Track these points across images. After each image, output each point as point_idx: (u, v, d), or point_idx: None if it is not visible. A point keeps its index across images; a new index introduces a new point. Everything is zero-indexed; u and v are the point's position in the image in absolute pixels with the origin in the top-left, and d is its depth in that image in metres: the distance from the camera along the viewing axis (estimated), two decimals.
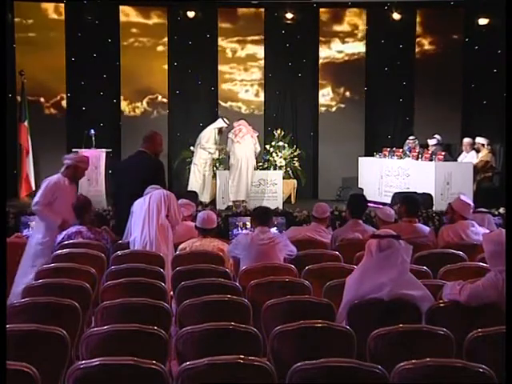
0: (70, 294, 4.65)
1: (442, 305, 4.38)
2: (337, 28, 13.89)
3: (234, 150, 11.51)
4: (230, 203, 11.44)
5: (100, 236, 6.65)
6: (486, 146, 12.02)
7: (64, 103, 13.26)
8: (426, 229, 7.02)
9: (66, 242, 6.51)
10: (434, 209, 10.67)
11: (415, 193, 10.49)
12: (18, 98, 12.29)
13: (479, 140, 12.12)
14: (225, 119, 12.10)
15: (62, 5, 13.02)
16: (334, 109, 13.86)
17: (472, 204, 7.04)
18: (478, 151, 12.13)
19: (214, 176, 12.09)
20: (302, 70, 13.78)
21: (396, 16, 13.30)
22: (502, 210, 10.18)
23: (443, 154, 11.46)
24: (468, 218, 6.86)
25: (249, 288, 5.02)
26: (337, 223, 9.98)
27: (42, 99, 13.17)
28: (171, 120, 13.62)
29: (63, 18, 13.12)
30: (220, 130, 12.04)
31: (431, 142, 12.41)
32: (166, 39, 13.52)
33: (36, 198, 7.04)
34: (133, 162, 7.72)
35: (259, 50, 13.66)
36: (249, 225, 9.99)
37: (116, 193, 7.84)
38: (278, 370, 3.50)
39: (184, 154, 12.87)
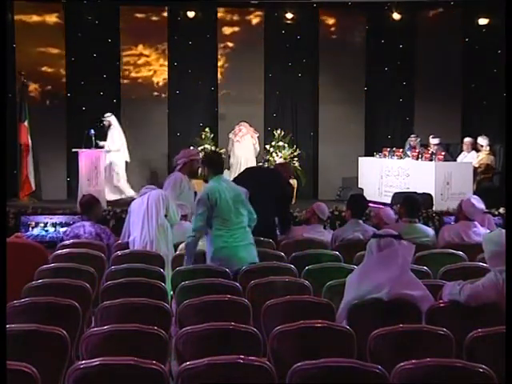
0: (70, 294, 4.64)
1: (442, 305, 4.38)
2: (337, 28, 13.90)
3: (233, 149, 11.53)
4: None
5: (102, 231, 6.70)
6: (486, 147, 12.02)
7: (64, 103, 13.25)
8: (426, 229, 7.01)
9: (66, 242, 6.53)
10: (433, 209, 10.68)
11: (415, 193, 10.49)
12: (18, 98, 12.30)
13: (480, 140, 12.12)
14: (107, 115, 12.00)
15: (62, 4, 13.01)
16: (333, 109, 13.85)
17: (482, 208, 6.91)
18: (478, 151, 12.13)
19: None
20: (302, 70, 13.78)
21: (396, 16, 13.31)
22: (502, 210, 10.19)
23: (443, 153, 11.46)
24: (474, 220, 6.82)
25: (249, 288, 5.02)
26: (337, 223, 9.99)
27: (41, 99, 13.16)
28: (171, 120, 13.62)
29: (63, 18, 13.12)
30: (107, 126, 12.00)
31: (434, 141, 12.37)
32: (165, 39, 13.52)
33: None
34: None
35: (259, 50, 13.64)
36: None
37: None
38: (278, 370, 3.50)
39: None
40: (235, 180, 6.96)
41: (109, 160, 11.91)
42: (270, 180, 7.15)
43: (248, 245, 5.89)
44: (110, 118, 12.07)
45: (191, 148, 7.60)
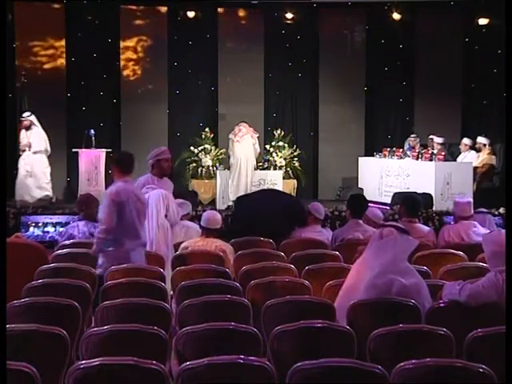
0: (69, 294, 4.65)
1: (442, 305, 4.38)
2: (337, 28, 13.90)
3: (233, 149, 11.53)
4: (230, 203, 11.44)
5: (96, 229, 6.66)
6: (487, 146, 12.01)
7: (64, 103, 13.25)
8: (426, 229, 7.02)
9: (66, 242, 6.54)
10: (433, 209, 10.67)
11: (415, 193, 10.49)
12: (18, 98, 12.29)
13: (480, 140, 12.10)
14: (26, 114, 11.65)
15: (62, 4, 13.01)
16: (333, 109, 13.86)
17: (466, 201, 7.03)
18: (479, 151, 12.12)
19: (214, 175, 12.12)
20: (302, 70, 13.78)
21: (396, 16, 13.31)
22: (502, 210, 10.18)
23: (443, 153, 11.46)
24: (468, 217, 6.84)
25: (249, 288, 5.02)
26: (337, 223, 9.99)
27: (41, 99, 13.15)
28: (171, 120, 13.62)
29: (63, 18, 13.12)
30: (28, 126, 11.63)
31: (438, 140, 12.33)
32: (166, 39, 13.52)
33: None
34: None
35: (259, 50, 13.64)
36: None
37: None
38: (278, 370, 3.50)
39: (184, 154, 12.87)
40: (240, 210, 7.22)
41: (34, 161, 11.54)
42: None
43: None
44: (31, 118, 11.62)
45: (162, 147, 7.43)
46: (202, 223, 6.47)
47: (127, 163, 6.10)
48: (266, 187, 11.83)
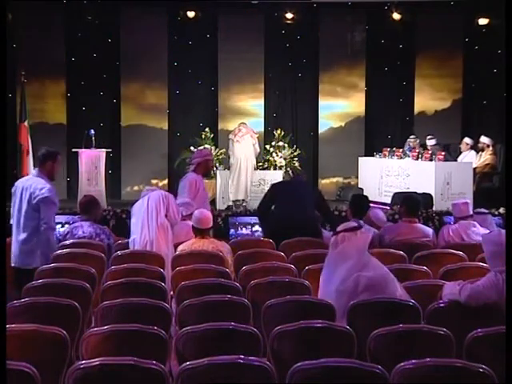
0: (69, 294, 4.65)
1: (442, 305, 4.38)
2: (337, 28, 13.90)
3: (233, 149, 11.53)
4: (230, 203, 11.45)
5: (101, 231, 6.69)
6: (490, 147, 12.00)
7: (64, 103, 13.25)
8: (426, 229, 7.01)
9: (66, 242, 6.52)
10: (433, 209, 10.67)
11: (415, 193, 10.48)
12: (18, 98, 12.29)
13: (484, 140, 12.08)
14: None
15: (62, 4, 13.00)
16: (334, 109, 13.86)
17: (463, 201, 7.06)
18: (481, 150, 12.11)
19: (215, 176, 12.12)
20: (302, 70, 13.78)
21: (396, 16, 13.30)
22: (502, 210, 10.18)
23: (443, 153, 11.45)
24: (467, 217, 6.85)
25: (249, 288, 5.02)
26: None
27: (41, 99, 13.15)
28: (171, 120, 13.61)
29: (63, 18, 13.11)
30: None
31: (430, 142, 12.39)
32: (166, 39, 13.51)
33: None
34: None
35: (259, 50, 13.64)
36: (249, 225, 10.02)
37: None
38: (278, 370, 3.51)
39: (184, 153, 12.87)
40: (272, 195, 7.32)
41: None
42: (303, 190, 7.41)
43: None
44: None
45: (203, 148, 7.72)
46: (194, 224, 6.37)
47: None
48: (265, 187, 11.82)
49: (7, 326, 3.74)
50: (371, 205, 7.53)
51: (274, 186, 7.74)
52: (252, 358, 3.38)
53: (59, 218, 10.37)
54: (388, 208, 10.80)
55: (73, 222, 7.49)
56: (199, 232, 6.35)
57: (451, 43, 13.63)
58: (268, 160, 12.80)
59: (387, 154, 12.20)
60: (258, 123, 13.39)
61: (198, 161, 7.95)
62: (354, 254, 4.51)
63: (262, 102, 13.77)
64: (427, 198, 10.72)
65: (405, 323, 3.97)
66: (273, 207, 7.37)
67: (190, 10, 13.16)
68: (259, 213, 7.66)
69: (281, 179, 11.85)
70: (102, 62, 13.17)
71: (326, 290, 4.61)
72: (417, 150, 11.98)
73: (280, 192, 7.40)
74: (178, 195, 7.63)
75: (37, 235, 6.14)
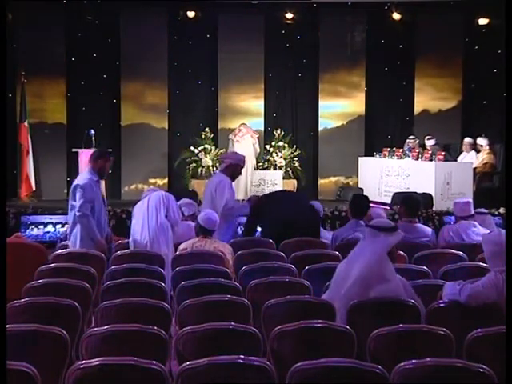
0: (69, 294, 4.65)
1: (442, 305, 4.38)
2: (337, 28, 13.90)
3: (233, 149, 11.54)
4: None
5: None
6: (485, 147, 12.01)
7: (64, 103, 13.25)
8: (426, 229, 7.01)
9: (66, 242, 6.53)
10: (433, 209, 10.67)
11: (415, 193, 10.49)
12: (18, 98, 12.30)
13: (480, 141, 12.10)
14: None
15: (62, 4, 13.00)
16: (334, 109, 13.85)
17: (465, 201, 7.06)
18: (478, 152, 12.13)
19: None
20: (302, 70, 13.78)
21: (396, 16, 13.30)
22: (502, 210, 10.19)
23: (443, 153, 11.45)
24: (468, 216, 6.85)
25: (249, 288, 5.02)
26: (337, 223, 9.99)
27: (41, 99, 13.15)
28: (171, 120, 13.61)
29: (63, 18, 13.11)
30: None
31: (430, 142, 12.38)
32: (166, 39, 13.51)
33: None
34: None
35: (259, 50, 13.64)
36: None
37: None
38: (278, 370, 3.51)
39: (184, 153, 12.87)
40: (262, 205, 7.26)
41: None
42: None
43: None
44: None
45: (236, 152, 7.72)
46: (201, 223, 6.35)
47: None
48: (265, 187, 11.84)
49: (7, 326, 3.74)
50: (371, 205, 7.52)
51: (254, 208, 7.41)
52: (252, 357, 3.38)
53: (59, 218, 10.43)
54: (388, 208, 10.80)
55: None
56: (203, 231, 6.34)
57: (451, 43, 13.63)
58: (268, 160, 12.81)
59: (387, 153, 12.20)
60: (258, 123, 13.40)
61: (231, 162, 7.59)
62: (370, 257, 4.35)
63: (261, 101, 13.77)
64: (427, 198, 10.72)
65: (405, 323, 3.97)
66: (270, 209, 7.30)
67: (190, 10, 13.15)
68: (248, 236, 7.47)
69: (279, 179, 11.85)
70: (101, 61, 13.16)
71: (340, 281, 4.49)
72: (416, 150, 11.98)
73: (267, 206, 7.25)
74: (218, 197, 7.33)
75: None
